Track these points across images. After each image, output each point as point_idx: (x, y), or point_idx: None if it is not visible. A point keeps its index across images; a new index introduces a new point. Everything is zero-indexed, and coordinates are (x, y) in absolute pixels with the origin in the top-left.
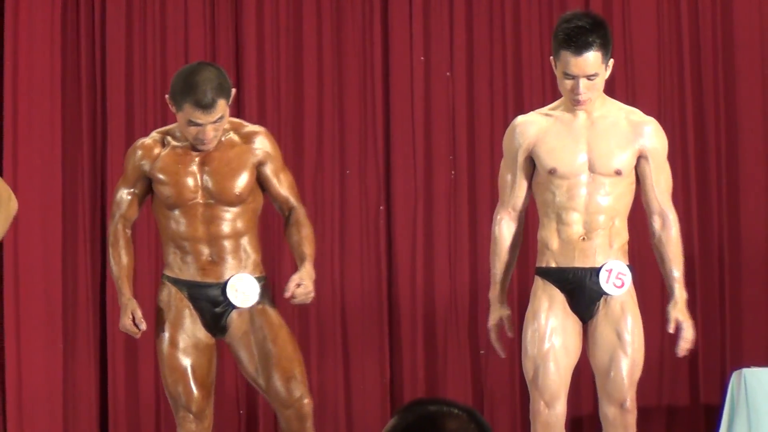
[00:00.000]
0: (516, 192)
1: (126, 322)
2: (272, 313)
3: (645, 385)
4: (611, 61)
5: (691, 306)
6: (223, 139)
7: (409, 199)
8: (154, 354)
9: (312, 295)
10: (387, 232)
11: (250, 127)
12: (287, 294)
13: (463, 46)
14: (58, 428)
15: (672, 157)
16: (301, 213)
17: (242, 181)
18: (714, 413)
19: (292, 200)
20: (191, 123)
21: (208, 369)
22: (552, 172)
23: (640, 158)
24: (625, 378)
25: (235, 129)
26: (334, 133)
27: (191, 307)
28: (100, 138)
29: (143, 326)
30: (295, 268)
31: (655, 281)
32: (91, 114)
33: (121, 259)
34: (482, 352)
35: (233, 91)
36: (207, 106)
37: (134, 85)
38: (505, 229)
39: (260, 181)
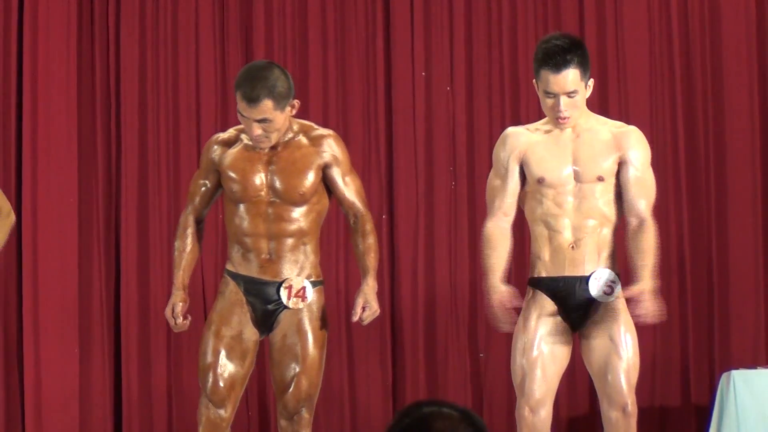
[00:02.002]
0: (506, 198)
1: (167, 312)
2: (316, 330)
3: (638, 387)
4: (591, 81)
5: (682, 310)
6: (291, 140)
7: (411, 208)
8: (166, 359)
9: (377, 312)
10: (390, 240)
11: (319, 131)
12: (355, 318)
13: (463, 61)
14: (74, 430)
15: (663, 166)
16: (367, 220)
17: (308, 181)
18: (704, 414)
19: (359, 205)
20: (240, 114)
21: (240, 363)
22: (540, 181)
23: (621, 164)
24: (623, 382)
25: (305, 131)
26: None
27: (245, 301)
28: (115, 150)
29: (179, 321)
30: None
31: None
32: (106, 127)
33: (184, 248)
34: (481, 355)
35: (295, 102)
36: (250, 101)
37: (147, 100)
38: (495, 226)
39: (327, 184)
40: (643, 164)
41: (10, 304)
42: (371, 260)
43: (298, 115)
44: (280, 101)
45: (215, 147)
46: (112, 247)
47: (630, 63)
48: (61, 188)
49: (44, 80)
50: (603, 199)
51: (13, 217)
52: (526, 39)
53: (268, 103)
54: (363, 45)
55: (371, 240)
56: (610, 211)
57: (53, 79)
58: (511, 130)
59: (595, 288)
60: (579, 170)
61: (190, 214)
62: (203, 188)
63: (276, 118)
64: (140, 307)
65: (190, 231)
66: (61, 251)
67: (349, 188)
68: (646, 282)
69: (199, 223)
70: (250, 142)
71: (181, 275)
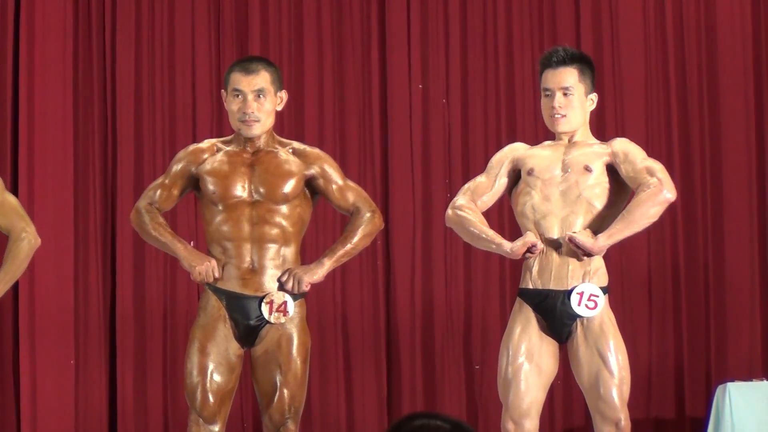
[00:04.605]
0: (483, 190)
1: (204, 271)
2: (298, 342)
3: (633, 399)
4: (594, 95)
5: (678, 322)
6: (274, 150)
7: (407, 221)
8: (162, 371)
9: (294, 283)
10: (385, 253)
11: (304, 146)
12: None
13: (459, 74)
14: None
15: None
16: (362, 214)
17: (291, 182)
18: (699, 426)
19: (355, 204)
20: (234, 92)
21: (228, 378)
22: (530, 172)
23: (613, 164)
24: (615, 397)
25: (291, 146)
26: (335, 156)
27: (227, 317)
28: (111, 158)
29: (217, 274)
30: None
31: (642, 299)
32: (102, 134)
33: (165, 224)
34: (477, 366)
35: (283, 93)
36: (249, 71)
37: (143, 108)
38: (463, 202)
39: (323, 195)
40: (632, 149)
41: (5, 315)
42: (337, 243)
43: (293, 121)
44: (276, 79)
45: (189, 156)
46: (108, 258)
47: (626, 76)
48: (57, 197)
49: (40, 87)
50: (589, 191)
51: (29, 239)
52: (522, 52)
53: (265, 75)
54: (359, 57)
55: (352, 230)
56: (600, 203)
57: (49, 87)
58: (515, 144)
59: (576, 303)
60: (568, 162)
61: (145, 202)
62: (166, 191)
63: (269, 96)
64: (136, 317)
65: (151, 215)
66: (58, 262)
67: (344, 194)
68: (602, 234)
69: (158, 214)
70: (231, 148)
71: (173, 238)
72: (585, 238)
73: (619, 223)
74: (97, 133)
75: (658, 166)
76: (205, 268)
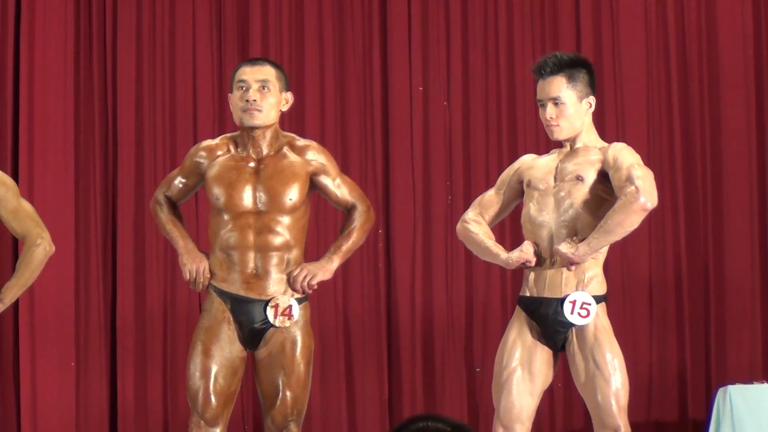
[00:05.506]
0: (489, 202)
1: (197, 270)
2: (302, 345)
3: (635, 402)
4: (591, 98)
5: (679, 325)
6: (278, 151)
7: (408, 223)
8: (162, 372)
9: (308, 276)
10: (386, 255)
11: (302, 141)
12: (297, 286)
13: (459, 76)
14: None
15: (660, 182)
16: (358, 209)
17: (295, 188)
18: (700, 429)
19: (351, 200)
20: (239, 83)
21: (231, 380)
22: (528, 184)
23: (604, 172)
24: (613, 405)
25: (289, 142)
26: (336, 158)
27: (231, 319)
28: (111, 160)
29: (206, 280)
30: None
31: (643, 302)
32: (103, 137)
33: (178, 216)
34: (478, 369)
35: (289, 95)
36: (255, 63)
37: (144, 110)
38: (471, 216)
39: (320, 190)
40: (620, 153)
41: (6, 317)
42: (340, 239)
43: (294, 123)
44: (281, 77)
45: (202, 153)
46: (108, 259)
47: (627, 77)
48: (58, 198)
49: (41, 88)
50: (582, 200)
51: (44, 246)
52: (522, 53)
53: (271, 70)
54: (360, 60)
55: (354, 225)
56: (593, 212)
57: (50, 87)
58: (524, 156)
59: (569, 312)
60: (561, 172)
61: (161, 194)
62: (180, 184)
63: (274, 90)
64: (136, 319)
65: (171, 207)
66: (58, 263)
67: (341, 190)
68: (581, 242)
69: (174, 206)
70: (239, 153)
71: (191, 241)
72: (565, 249)
73: (596, 232)
74: (97, 134)
75: (639, 173)
76: (196, 268)
